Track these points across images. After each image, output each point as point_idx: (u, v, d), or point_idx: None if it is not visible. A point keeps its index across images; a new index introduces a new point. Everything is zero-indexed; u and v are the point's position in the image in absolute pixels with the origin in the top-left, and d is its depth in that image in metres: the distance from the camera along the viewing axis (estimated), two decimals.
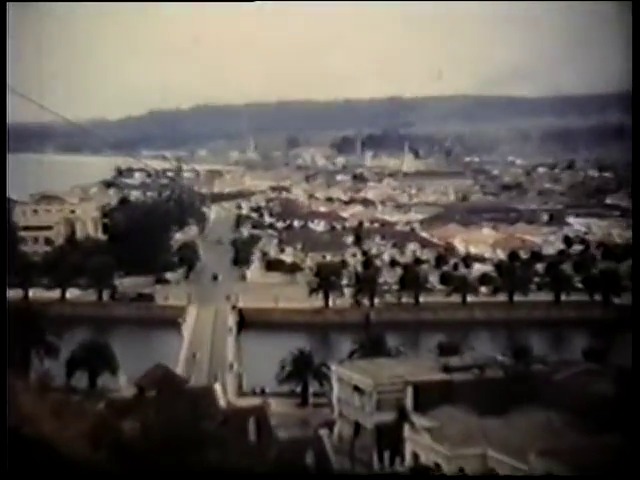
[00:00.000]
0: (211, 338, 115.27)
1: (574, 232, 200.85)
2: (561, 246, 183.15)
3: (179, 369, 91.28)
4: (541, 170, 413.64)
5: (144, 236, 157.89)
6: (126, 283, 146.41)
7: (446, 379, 64.36)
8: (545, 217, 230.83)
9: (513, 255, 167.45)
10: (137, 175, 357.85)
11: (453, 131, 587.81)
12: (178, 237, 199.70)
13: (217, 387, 73.09)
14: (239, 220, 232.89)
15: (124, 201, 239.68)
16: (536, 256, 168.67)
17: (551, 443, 52.10)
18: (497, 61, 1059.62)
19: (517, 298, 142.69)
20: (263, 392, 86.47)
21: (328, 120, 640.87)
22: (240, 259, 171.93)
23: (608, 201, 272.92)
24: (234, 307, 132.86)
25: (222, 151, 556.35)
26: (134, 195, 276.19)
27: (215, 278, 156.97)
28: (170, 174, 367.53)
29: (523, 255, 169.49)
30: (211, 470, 19.86)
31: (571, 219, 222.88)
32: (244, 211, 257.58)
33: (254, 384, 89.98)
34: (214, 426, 34.80)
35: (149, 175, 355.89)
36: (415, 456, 58.15)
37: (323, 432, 66.15)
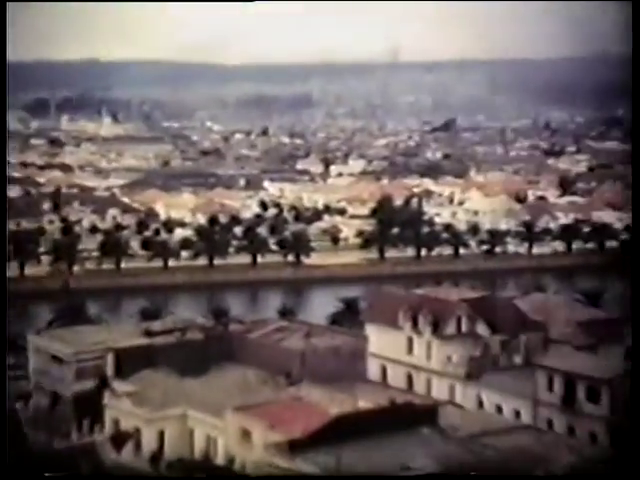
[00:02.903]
0: None
1: (269, 196, 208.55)
2: (257, 210, 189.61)
3: None
4: (238, 136, 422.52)
5: None
6: None
7: (147, 343, 65.36)
8: (242, 182, 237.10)
9: (213, 219, 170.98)
10: None
11: (151, 96, 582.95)
12: None
13: None
14: None
15: None
16: (235, 220, 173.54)
17: (246, 399, 55.05)
18: (195, 27, 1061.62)
19: (217, 261, 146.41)
20: None
21: (19, 81, 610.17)
22: None
23: (299, 166, 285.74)
24: None
25: None
26: None
27: None
28: None
29: (222, 219, 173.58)
30: None
31: (266, 184, 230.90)
32: None
33: None
34: None
35: None
36: (116, 422, 58.78)
37: (18, 405, 64.80)
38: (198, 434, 55.98)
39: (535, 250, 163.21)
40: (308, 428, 48.82)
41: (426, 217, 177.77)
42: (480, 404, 63.93)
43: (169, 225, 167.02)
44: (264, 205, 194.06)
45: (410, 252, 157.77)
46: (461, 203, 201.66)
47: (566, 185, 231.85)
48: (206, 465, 53.34)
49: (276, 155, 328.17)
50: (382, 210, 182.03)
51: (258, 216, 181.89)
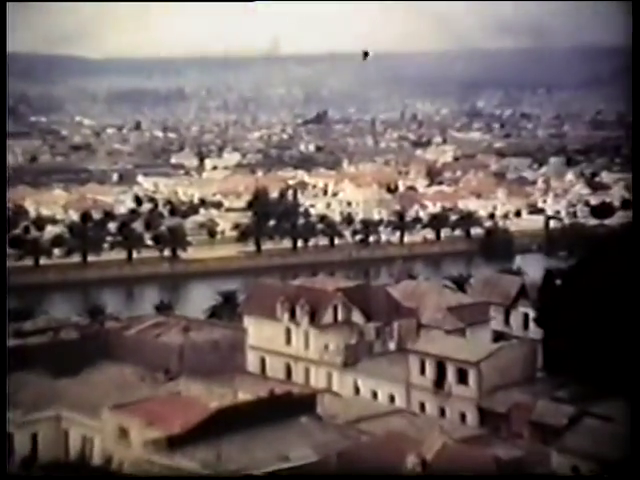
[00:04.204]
0: None
1: (143, 191, 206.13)
2: (132, 205, 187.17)
3: None
4: (110, 131, 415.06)
5: None
6: None
7: (19, 344, 63.99)
8: (115, 177, 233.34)
9: (85, 216, 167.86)
10: None
11: (16, 89, 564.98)
12: None
13: None
14: None
15: None
16: (108, 215, 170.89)
17: (123, 397, 54.61)
18: (63, 21, 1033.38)
19: (91, 258, 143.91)
20: None
21: None
22: None
23: (173, 160, 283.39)
24: None
25: None
26: None
27: None
28: None
29: (95, 215, 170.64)
30: None
31: (140, 178, 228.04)
32: None
33: None
34: None
35: None
36: None
37: None
38: (73, 435, 55.13)
39: (406, 238, 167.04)
40: (187, 423, 48.81)
41: (301, 209, 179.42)
42: (357, 390, 65.37)
43: (39, 222, 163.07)
44: (138, 200, 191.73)
45: (286, 244, 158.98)
46: (335, 194, 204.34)
47: (434, 175, 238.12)
48: (82, 466, 52.70)
49: (149, 149, 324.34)
50: (258, 203, 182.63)
51: (132, 211, 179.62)
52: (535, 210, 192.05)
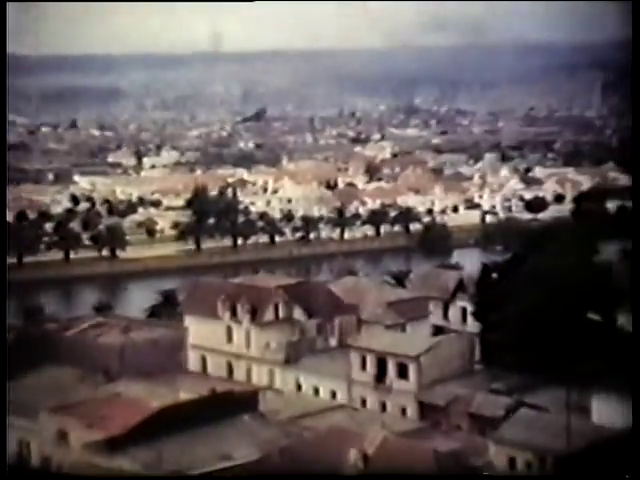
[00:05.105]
0: None
1: (80, 190, 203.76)
2: (68, 204, 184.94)
3: None
4: (44, 129, 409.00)
5: None
6: None
7: None
8: (51, 176, 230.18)
9: (21, 215, 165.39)
10: None
11: None
12: None
13: None
14: None
15: None
16: (44, 215, 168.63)
17: (62, 399, 54.06)
18: None
19: (27, 259, 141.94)
20: None
21: None
22: None
23: (110, 159, 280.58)
24: None
25: None
26: None
27: None
28: None
29: (31, 215, 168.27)
30: None
31: (77, 177, 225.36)
32: None
33: None
34: None
35: None
36: None
37: None
38: (10, 438, 54.44)
39: (346, 235, 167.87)
40: (128, 424, 48.53)
41: (241, 206, 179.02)
42: (299, 387, 65.68)
43: None
44: (75, 199, 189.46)
45: (226, 242, 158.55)
46: (275, 192, 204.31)
47: (372, 171, 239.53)
48: (19, 469, 52.04)
49: (86, 148, 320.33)
50: (197, 201, 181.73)
51: (69, 211, 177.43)
52: (472, 205, 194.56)
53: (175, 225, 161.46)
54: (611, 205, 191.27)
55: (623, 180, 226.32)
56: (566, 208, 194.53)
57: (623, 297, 58.59)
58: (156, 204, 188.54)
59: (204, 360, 70.79)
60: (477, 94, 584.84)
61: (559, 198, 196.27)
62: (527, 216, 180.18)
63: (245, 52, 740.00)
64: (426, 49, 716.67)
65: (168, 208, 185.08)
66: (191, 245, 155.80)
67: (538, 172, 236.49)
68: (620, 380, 47.96)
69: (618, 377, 48.70)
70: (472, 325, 70.59)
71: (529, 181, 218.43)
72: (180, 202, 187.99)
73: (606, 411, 48.95)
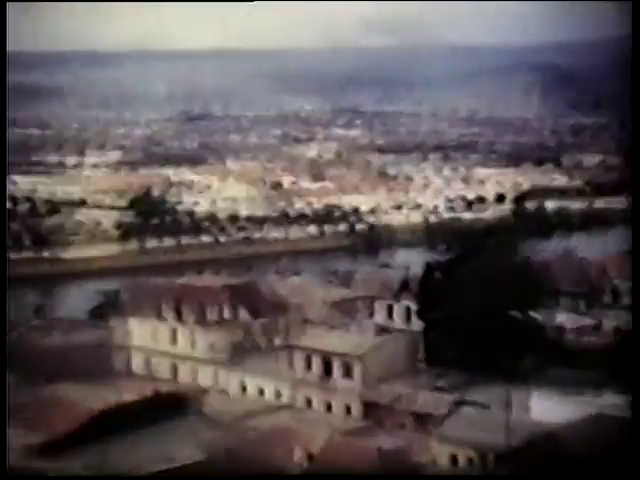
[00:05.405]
0: None
1: (20, 191, 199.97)
2: (8, 205, 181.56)
3: None
4: None
5: None
6: None
7: None
8: None
9: None
10: None
11: None
12: None
13: None
14: None
15: None
16: None
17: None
18: None
19: None
20: None
21: None
22: None
23: (51, 158, 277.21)
24: None
25: None
26: None
27: None
28: None
29: None
30: None
31: (16, 177, 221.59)
32: None
33: None
34: None
35: None
36: None
37: None
38: None
39: (291, 235, 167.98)
40: (70, 427, 48.05)
41: (185, 206, 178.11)
42: (244, 388, 65.55)
43: None
44: (14, 200, 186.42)
45: (171, 242, 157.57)
46: (219, 191, 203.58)
47: (317, 172, 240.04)
48: None
49: (24, 147, 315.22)
50: (141, 201, 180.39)
51: (9, 211, 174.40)
52: (415, 205, 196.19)
53: (118, 225, 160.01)
54: (550, 205, 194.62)
55: (561, 181, 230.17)
56: (507, 208, 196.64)
57: (540, 294, 60.14)
58: (99, 204, 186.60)
59: (148, 362, 70.25)
60: (420, 95, 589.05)
61: (500, 198, 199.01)
62: (469, 216, 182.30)
63: (190, 51, 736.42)
64: (370, 49, 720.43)
65: (111, 208, 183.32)
66: (134, 245, 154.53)
67: (479, 173, 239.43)
68: (556, 376, 48.94)
69: (552, 373, 49.75)
70: (416, 324, 71.12)
71: (471, 182, 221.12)
72: (123, 202, 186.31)
73: (545, 407, 49.76)
